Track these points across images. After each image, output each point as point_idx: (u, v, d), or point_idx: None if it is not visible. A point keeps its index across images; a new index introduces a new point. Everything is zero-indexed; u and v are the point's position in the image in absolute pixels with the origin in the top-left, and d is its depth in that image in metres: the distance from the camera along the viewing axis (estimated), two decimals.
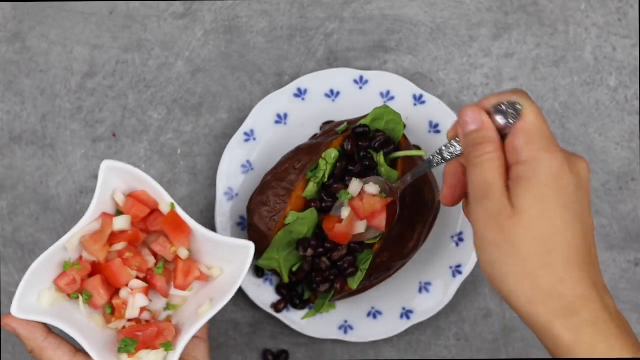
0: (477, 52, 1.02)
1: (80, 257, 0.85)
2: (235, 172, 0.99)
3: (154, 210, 0.85)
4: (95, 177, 1.01)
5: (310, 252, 0.92)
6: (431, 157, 0.76)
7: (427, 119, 0.99)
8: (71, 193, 1.01)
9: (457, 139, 0.73)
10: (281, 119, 0.99)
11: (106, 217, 0.84)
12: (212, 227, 1.00)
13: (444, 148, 0.74)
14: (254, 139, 0.99)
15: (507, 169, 0.69)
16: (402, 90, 0.99)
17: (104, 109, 1.02)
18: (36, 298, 0.82)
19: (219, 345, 1.01)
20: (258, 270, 0.98)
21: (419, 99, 0.99)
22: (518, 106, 0.68)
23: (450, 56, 1.03)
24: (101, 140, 1.02)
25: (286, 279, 0.95)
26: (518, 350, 1.01)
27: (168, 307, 0.87)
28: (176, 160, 1.02)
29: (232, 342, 1.01)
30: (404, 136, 0.94)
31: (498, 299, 1.02)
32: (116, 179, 0.83)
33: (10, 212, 1.01)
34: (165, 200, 0.84)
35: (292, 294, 0.97)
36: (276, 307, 0.97)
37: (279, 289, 0.97)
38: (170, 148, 1.02)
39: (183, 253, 0.85)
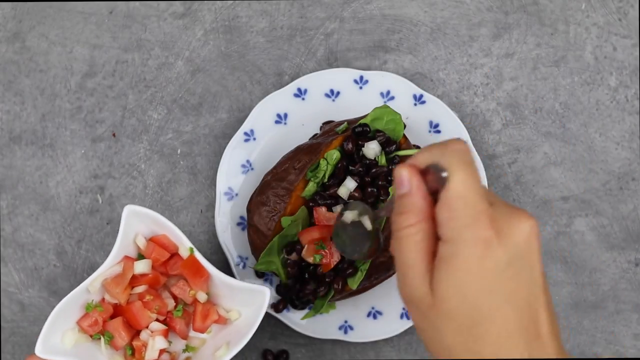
0: (477, 52, 1.02)
1: (103, 299, 0.87)
2: (235, 172, 0.99)
3: (174, 254, 0.87)
4: (95, 177, 1.01)
5: (294, 256, 0.92)
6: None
7: (428, 118, 0.99)
8: (71, 193, 1.01)
9: None
10: (281, 118, 0.99)
11: (128, 260, 0.86)
12: (212, 227, 1.00)
13: None
14: (254, 139, 0.99)
15: (436, 241, 0.62)
16: (402, 90, 0.99)
17: (103, 109, 1.02)
18: (60, 338, 0.84)
19: None
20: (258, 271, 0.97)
21: (419, 99, 0.99)
22: (444, 174, 0.59)
23: (451, 56, 1.02)
24: (101, 140, 1.02)
25: (285, 280, 0.94)
26: None
27: (187, 349, 0.89)
28: (176, 160, 1.02)
29: None
30: (404, 136, 0.94)
31: None
32: (138, 223, 0.85)
33: (10, 212, 1.01)
34: (184, 245, 0.86)
35: (291, 294, 0.97)
36: (276, 307, 0.96)
37: (279, 289, 0.97)
38: (170, 148, 1.02)
39: (202, 296, 0.88)
